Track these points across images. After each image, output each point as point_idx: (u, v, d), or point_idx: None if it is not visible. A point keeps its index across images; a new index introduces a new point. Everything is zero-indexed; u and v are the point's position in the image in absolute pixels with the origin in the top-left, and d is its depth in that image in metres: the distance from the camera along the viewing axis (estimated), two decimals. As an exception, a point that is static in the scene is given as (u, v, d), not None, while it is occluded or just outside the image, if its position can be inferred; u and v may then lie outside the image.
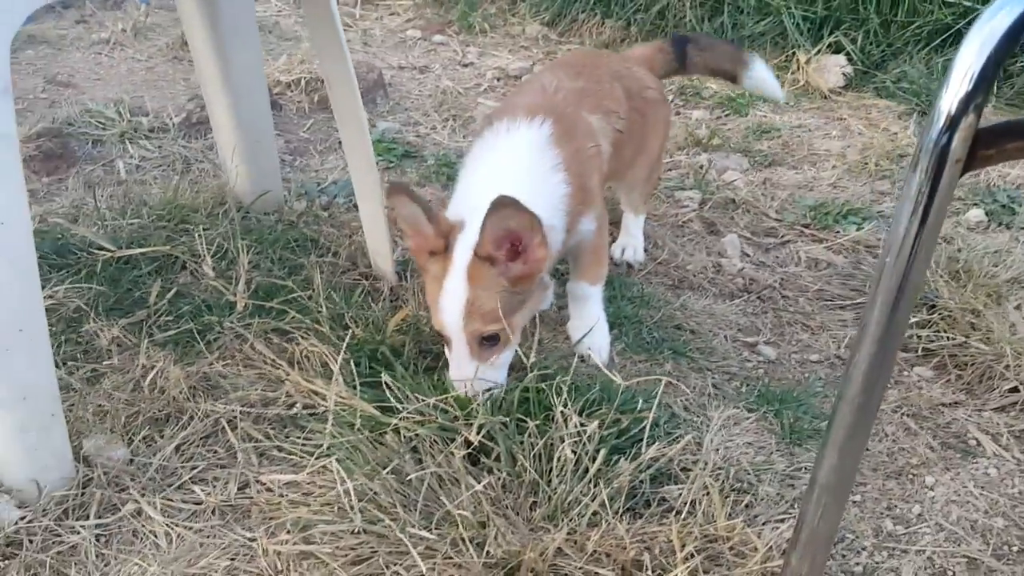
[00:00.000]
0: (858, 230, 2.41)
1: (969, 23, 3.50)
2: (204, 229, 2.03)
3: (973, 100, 0.84)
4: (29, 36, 3.65)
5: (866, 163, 2.85)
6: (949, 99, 0.84)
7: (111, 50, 3.60)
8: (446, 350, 1.63)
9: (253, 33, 2.15)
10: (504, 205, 1.45)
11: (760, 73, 2.28)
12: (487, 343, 1.57)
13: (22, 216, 1.31)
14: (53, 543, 1.37)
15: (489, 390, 1.55)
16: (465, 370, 1.56)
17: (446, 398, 1.48)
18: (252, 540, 1.38)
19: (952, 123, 0.85)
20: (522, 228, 1.50)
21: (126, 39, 3.68)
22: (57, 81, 3.22)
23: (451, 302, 1.55)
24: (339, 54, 1.82)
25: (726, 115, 3.30)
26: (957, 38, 3.54)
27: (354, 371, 1.60)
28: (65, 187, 2.42)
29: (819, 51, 3.65)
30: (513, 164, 1.67)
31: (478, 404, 1.50)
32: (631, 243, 2.24)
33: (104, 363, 1.72)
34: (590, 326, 1.84)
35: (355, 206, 2.30)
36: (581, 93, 1.86)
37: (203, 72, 2.16)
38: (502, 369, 1.62)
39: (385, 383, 1.51)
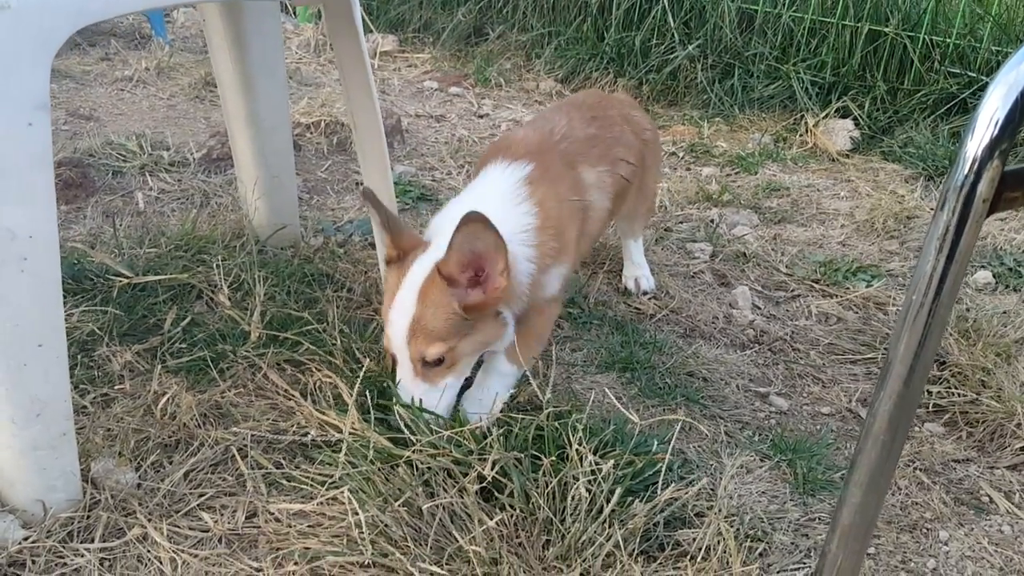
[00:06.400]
0: (867, 287, 2.43)
1: (973, 93, 3.60)
2: (221, 260, 2.04)
3: (999, 145, 0.87)
4: (53, 70, 3.71)
5: (874, 223, 2.89)
6: (975, 143, 0.87)
7: (134, 87, 3.67)
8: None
9: (280, 69, 2.20)
10: (474, 220, 1.42)
11: None
12: (431, 365, 1.53)
13: (50, 232, 1.31)
14: (56, 565, 1.35)
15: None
16: (410, 390, 1.54)
17: (460, 431, 1.47)
18: (258, 570, 1.36)
19: (979, 166, 0.87)
20: (488, 249, 1.47)
21: (149, 77, 3.76)
22: (79, 114, 3.27)
23: (399, 317, 1.51)
24: (367, 91, 1.86)
25: (736, 173, 3.36)
26: (962, 106, 3.62)
27: (367, 403, 1.59)
28: (83, 215, 2.44)
29: (827, 115, 3.73)
30: (485, 193, 1.68)
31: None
32: (640, 272, 2.31)
33: (116, 387, 1.71)
34: (482, 399, 1.62)
35: (371, 244, 2.33)
36: (589, 143, 1.88)
37: (228, 106, 2.20)
38: (446, 398, 1.56)
39: (399, 414, 1.51)
